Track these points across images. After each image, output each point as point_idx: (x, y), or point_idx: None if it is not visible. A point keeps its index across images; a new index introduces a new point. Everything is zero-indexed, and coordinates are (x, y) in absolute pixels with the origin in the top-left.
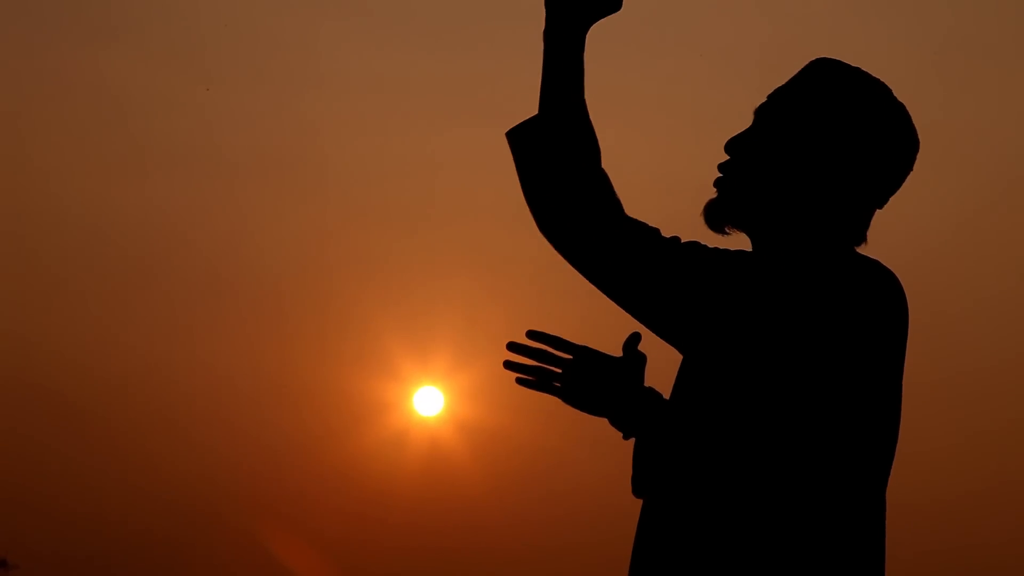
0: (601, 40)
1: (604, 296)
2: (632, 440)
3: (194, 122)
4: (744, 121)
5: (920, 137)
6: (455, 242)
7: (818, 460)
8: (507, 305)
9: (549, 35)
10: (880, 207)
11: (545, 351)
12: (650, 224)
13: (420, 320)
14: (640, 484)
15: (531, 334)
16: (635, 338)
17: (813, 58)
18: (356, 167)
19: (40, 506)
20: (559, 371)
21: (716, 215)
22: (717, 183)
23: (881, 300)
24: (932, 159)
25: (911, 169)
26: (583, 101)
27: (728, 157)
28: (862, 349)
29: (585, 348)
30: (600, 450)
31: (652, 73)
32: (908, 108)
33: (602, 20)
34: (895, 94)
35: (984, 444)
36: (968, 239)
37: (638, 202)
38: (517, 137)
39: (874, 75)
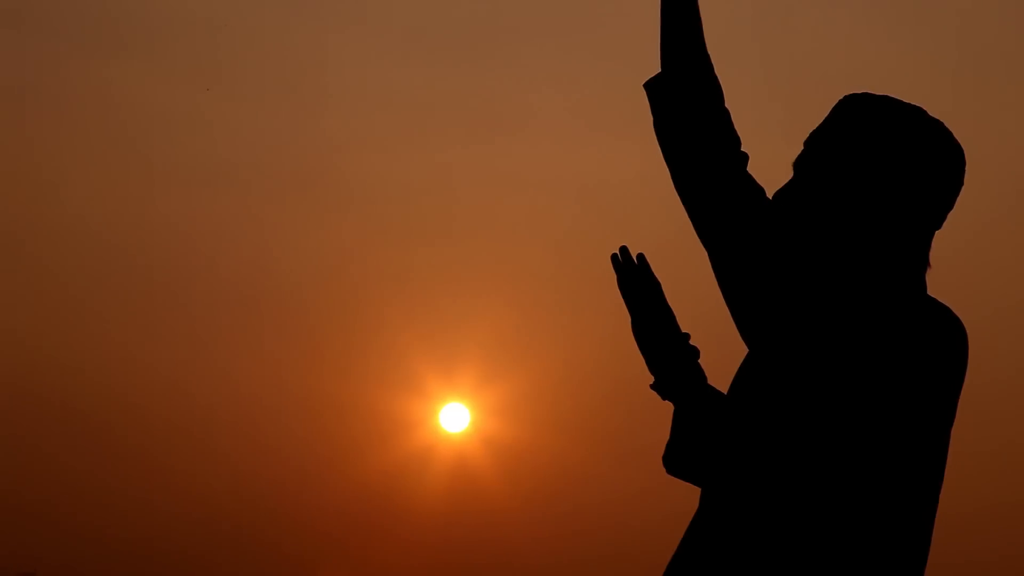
0: (618, 46)
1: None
2: (670, 412)
3: (218, 138)
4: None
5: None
6: (479, 258)
7: (852, 489)
8: (532, 321)
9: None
10: (939, 227)
11: (642, 275)
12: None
13: (445, 336)
14: (673, 458)
15: (640, 257)
16: (686, 336)
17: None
18: (379, 182)
19: (65, 522)
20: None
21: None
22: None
23: (945, 346)
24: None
25: (962, 183)
26: (702, 47)
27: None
28: (918, 389)
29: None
30: (625, 466)
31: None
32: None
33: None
34: (927, 112)
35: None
36: (980, 247)
37: (650, 212)
38: (653, 89)
39: (905, 100)
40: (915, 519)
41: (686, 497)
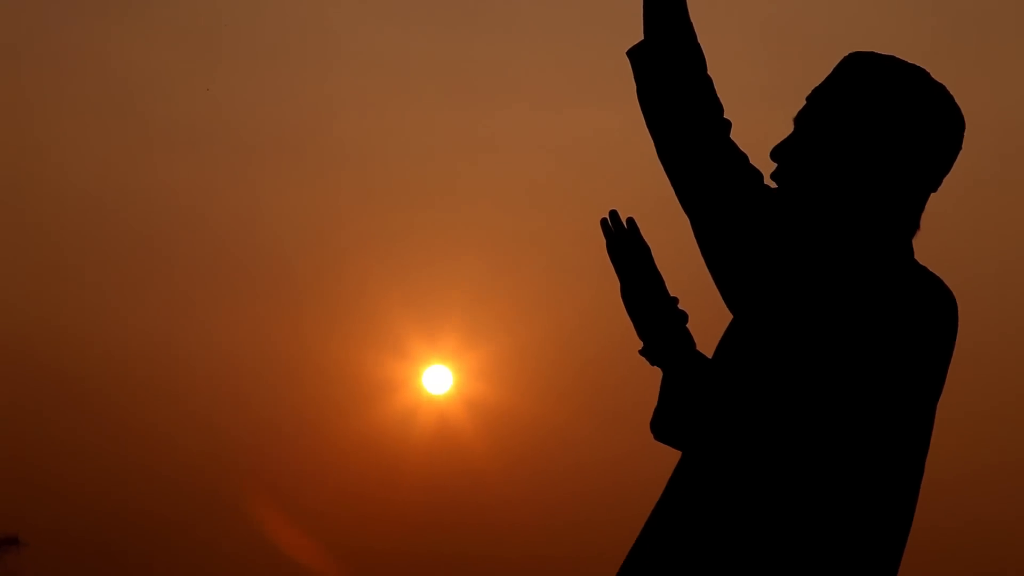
0: (607, 19)
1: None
2: (658, 377)
3: (204, 103)
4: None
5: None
6: (463, 221)
7: (834, 457)
8: (515, 283)
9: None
10: (935, 191)
11: (632, 239)
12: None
13: (429, 298)
14: (660, 423)
15: (630, 221)
16: (674, 300)
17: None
18: (368, 147)
19: (49, 484)
20: (644, 253)
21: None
22: (776, 179)
23: (931, 315)
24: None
25: (960, 147)
26: (685, 15)
27: (776, 162)
28: (903, 359)
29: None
30: (608, 428)
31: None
32: (950, 80)
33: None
34: (931, 74)
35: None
36: (966, 217)
37: (642, 180)
38: (636, 57)
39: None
40: (899, 492)
41: (668, 460)
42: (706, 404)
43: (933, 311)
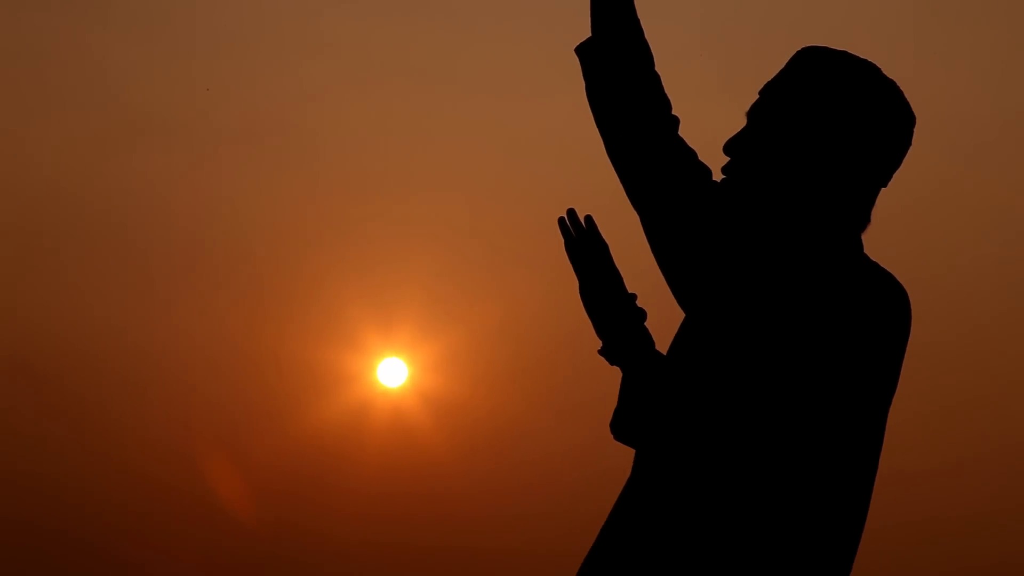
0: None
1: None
2: (619, 378)
3: (162, 91)
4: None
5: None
6: (420, 216)
7: (789, 454)
8: (471, 276)
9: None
10: (884, 186)
11: (590, 238)
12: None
13: (383, 291)
14: (620, 424)
15: (588, 219)
16: (633, 296)
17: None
18: (324, 140)
19: (6, 476)
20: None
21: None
22: (727, 173)
23: (883, 310)
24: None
25: (910, 144)
26: (632, 11)
27: (728, 156)
28: (855, 354)
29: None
30: (564, 421)
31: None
32: (898, 77)
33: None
34: (882, 70)
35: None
36: (937, 204)
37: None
38: (583, 54)
39: (860, 56)
40: (853, 489)
41: (625, 453)
42: (663, 403)
43: (884, 306)
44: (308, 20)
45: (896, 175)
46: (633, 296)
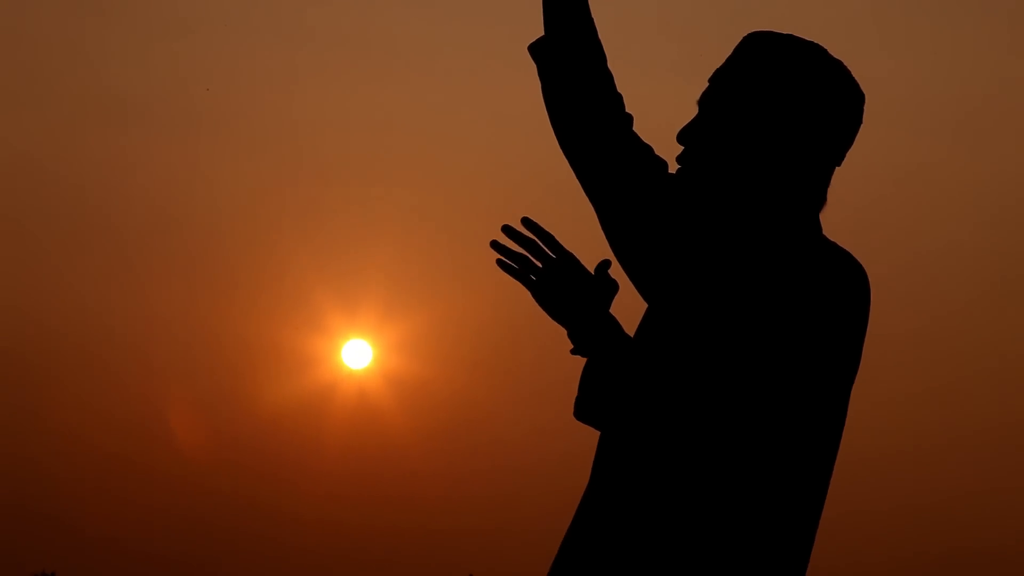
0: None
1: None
2: (581, 360)
3: (131, 74)
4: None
5: (866, 91)
6: (383, 198)
7: (753, 435)
8: (435, 258)
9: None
10: (839, 164)
11: (533, 243)
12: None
13: (348, 273)
14: (583, 407)
15: (525, 222)
16: (605, 264)
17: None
18: (289, 123)
19: None
20: (540, 265)
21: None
22: (682, 162)
23: (844, 291)
24: (877, 113)
25: (860, 121)
26: (586, 10)
27: (682, 148)
28: (815, 335)
29: (570, 254)
30: (527, 402)
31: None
32: (852, 62)
33: None
34: (830, 52)
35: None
36: (912, 191)
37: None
38: (537, 52)
39: (807, 38)
40: (813, 471)
41: (588, 435)
42: (627, 388)
43: (844, 287)
44: (286, 5)
45: (879, 161)
46: (603, 266)
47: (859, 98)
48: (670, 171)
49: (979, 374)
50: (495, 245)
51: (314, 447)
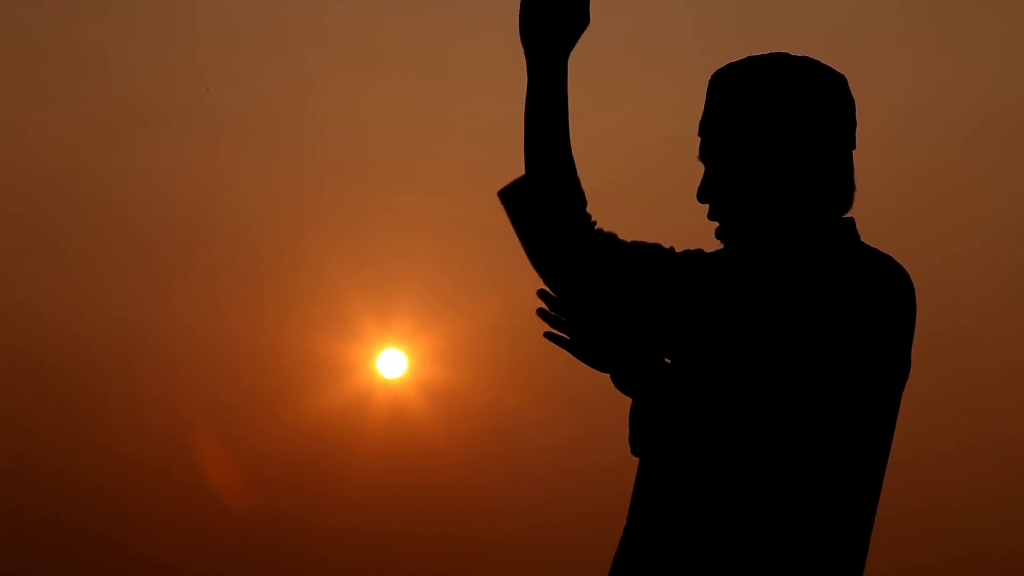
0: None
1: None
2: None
3: (165, 80)
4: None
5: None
6: (418, 203)
7: (808, 449)
8: (469, 266)
9: (533, 69)
10: (854, 147)
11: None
12: (628, 239)
13: (383, 282)
14: (638, 443)
15: (541, 294)
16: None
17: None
18: (325, 131)
19: (2, 464)
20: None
21: (728, 240)
22: (713, 217)
23: (889, 297)
24: (899, 116)
25: (853, 101)
26: (568, 147)
27: (705, 203)
28: (865, 345)
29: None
30: (562, 411)
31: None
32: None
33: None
34: (789, 54)
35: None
36: (932, 194)
37: (600, 163)
38: (508, 197)
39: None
40: (866, 478)
41: (624, 444)
42: (680, 415)
43: (889, 291)
44: (308, 12)
45: (895, 167)
46: (670, 250)
47: (839, 80)
48: (670, 248)
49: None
50: (541, 313)
51: (348, 456)
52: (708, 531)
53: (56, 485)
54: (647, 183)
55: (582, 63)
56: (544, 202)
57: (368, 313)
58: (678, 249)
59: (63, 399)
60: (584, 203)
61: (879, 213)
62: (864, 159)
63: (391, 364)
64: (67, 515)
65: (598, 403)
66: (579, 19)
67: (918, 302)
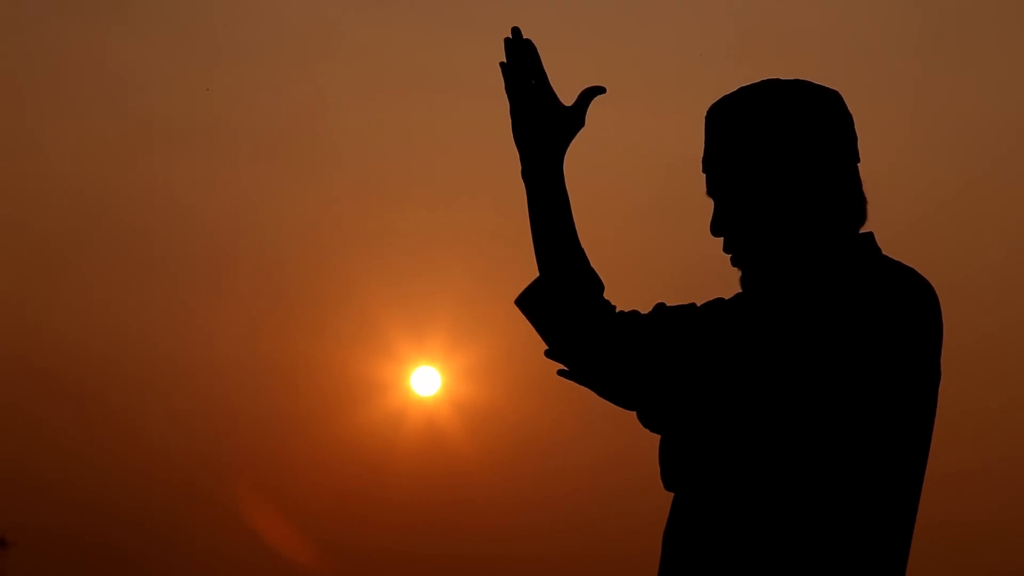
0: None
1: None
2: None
3: (195, 100)
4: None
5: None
6: (453, 224)
7: (847, 467)
8: (502, 284)
9: (528, 174)
10: (858, 161)
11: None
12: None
13: (417, 300)
14: (670, 478)
15: (550, 356)
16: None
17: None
18: (358, 146)
19: (37, 484)
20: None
21: (750, 275)
22: (729, 249)
23: (913, 309)
24: (928, 128)
25: (850, 116)
26: (576, 241)
27: (719, 238)
28: (894, 356)
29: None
30: (594, 428)
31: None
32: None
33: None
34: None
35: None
36: (965, 206)
37: (621, 178)
38: (525, 303)
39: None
40: (904, 492)
41: (655, 459)
42: (709, 444)
43: (913, 304)
44: (346, 27)
45: (917, 179)
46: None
47: (833, 96)
48: (691, 305)
49: None
50: (561, 373)
51: (382, 474)
52: (749, 553)
53: (86, 501)
54: (674, 200)
55: (610, 80)
56: (562, 301)
57: (401, 330)
58: (698, 303)
59: (92, 417)
60: (601, 289)
61: (912, 222)
62: (895, 172)
63: (425, 382)
64: (97, 531)
65: (632, 420)
66: (573, 122)
67: (949, 314)
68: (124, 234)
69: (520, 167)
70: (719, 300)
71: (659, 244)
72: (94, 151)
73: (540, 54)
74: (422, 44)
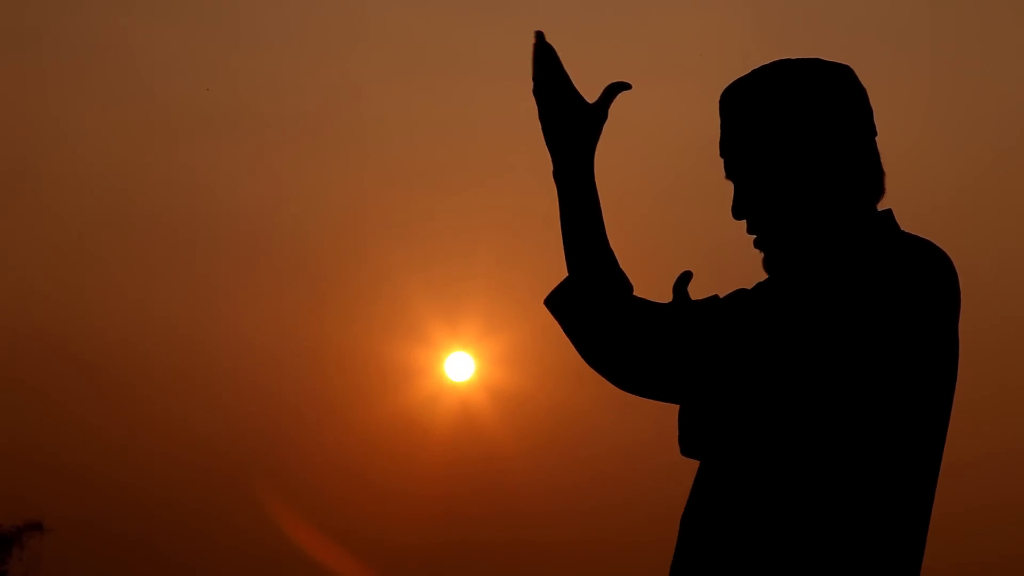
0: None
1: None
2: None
3: (226, 85)
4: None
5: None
6: (484, 207)
7: (867, 446)
8: (536, 270)
9: (559, 175)
10: (875, 135)
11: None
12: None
13: (450, 285)
14: (688, 444)
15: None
16: (686, 278)
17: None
18: (390, 134)
19: (73, 472)
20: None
21: (773, 256)
22: (752, 230)
23: (932, 282)
24: (947, 117)
25: (864, 89)
26: (605, 241)
27: (740, 219)
28: (913, 332)
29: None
30: (628, 413)
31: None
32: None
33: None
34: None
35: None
36: (984, 193)
37: (648, 160)
38: (555, 303)
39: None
40: (921, 477)
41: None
42: (729, 413)
43: (933, 275)
44: (376, 14)
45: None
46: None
47: (846, 71)
48: (717, 296)
49: None
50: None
51: (417, 459)
52: (764, 532)
53: (122, 492)
54: (702, 183)
55: (637, 68)
56: (591, 302)
57: (435, 316)
58: (721, 295)
59: (127, 406)
60: (630, 290)
61: (931, 206)
62: (915, 155)
63: (459, 367)
64: (130, 521)
65: (665, 405)
66: (597, 118)
67: (972, 297)
68: (157, 223)
69: (552, 167)
70: (742, 290)
71: (688, 226)
72: (122, 141)
73: (567, 38)
74: (452, 29)
